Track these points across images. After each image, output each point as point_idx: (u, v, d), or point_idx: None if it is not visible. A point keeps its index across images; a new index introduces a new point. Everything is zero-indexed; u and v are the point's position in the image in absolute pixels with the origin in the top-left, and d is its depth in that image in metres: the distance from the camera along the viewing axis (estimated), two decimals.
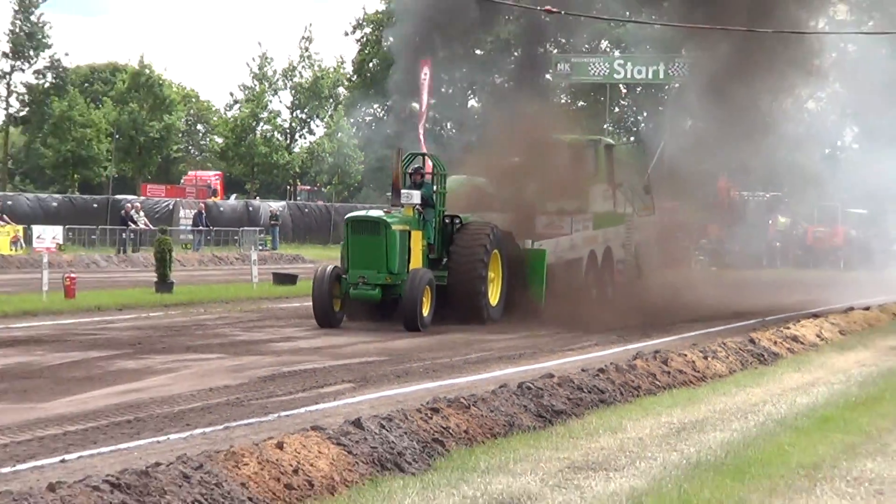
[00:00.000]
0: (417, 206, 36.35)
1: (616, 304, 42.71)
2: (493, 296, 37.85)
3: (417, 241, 36.08)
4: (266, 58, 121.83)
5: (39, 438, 18.69)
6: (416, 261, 35.76)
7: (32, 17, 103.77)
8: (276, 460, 15.39)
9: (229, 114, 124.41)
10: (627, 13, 70.18)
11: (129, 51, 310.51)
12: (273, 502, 14.56)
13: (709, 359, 27.82)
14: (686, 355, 27.45)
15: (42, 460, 16.96)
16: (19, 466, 16.50)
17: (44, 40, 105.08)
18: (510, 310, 38.65)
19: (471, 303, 36.76)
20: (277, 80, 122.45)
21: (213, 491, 14.19)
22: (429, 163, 39.16)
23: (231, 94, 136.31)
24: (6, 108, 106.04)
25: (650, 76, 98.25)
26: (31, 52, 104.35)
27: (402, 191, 36.15)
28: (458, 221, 37.84)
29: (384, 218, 35.34)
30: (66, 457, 17.17)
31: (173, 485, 13.96)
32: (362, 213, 39.13)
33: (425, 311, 34.94)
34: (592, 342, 34.55)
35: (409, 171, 37.64)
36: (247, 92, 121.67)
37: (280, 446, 15.77)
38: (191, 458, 14.81)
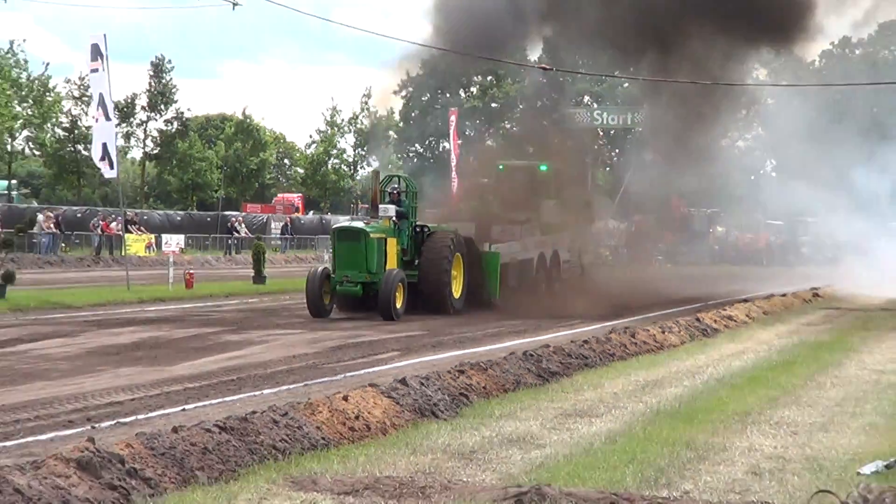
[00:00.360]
0: (393, 218, 34.63)
1: (561, 295, 41.01)
2: (457, 290, 36.00)
3: (393, 247, 34.43)
4: (336, 109, 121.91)
5: (166, 393, 18.63)
6: (392, 262, 34.17)
7: (164, 80, 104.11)
8: (343, 409, 15.35)
9: (308, 151, 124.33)
10: (604, 75, 70.49)
11: (235, 105, 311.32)
12: (340, 440, 14.53)
13: (665, 333, 27.67)
14: (648, 330, 27.36)
15: (168, 409, 16.89)
16: (150, 414, 16.45)
17: (172, 97, 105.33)
18: (470, 301, 36.54)
19: (437, 296, 35.15)
20: (344, 125, 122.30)
21: (295, 432, 14.15)
22: (403, 184, 37.23)
23: (310, 136, 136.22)
24: (143, 148, 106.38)
25: (620, 122, 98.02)
26: (163, 106, 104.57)
27: (380, 206, 34.85)
28: (427, 230, 36.22)
29: (364, 228, 33.78)
30: (186, 407, 17.11)
31: (265, 427, 13.91)
32: (347, 223, 37.07)
33: (398, 304, 33.07)
34: (577, 321, 33.77)
35: (389, 189, 36.11)
36: (321, 134, 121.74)
37: (345, 398, 15.73)
38: (279, 408, 14.76)
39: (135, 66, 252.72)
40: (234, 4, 28.54)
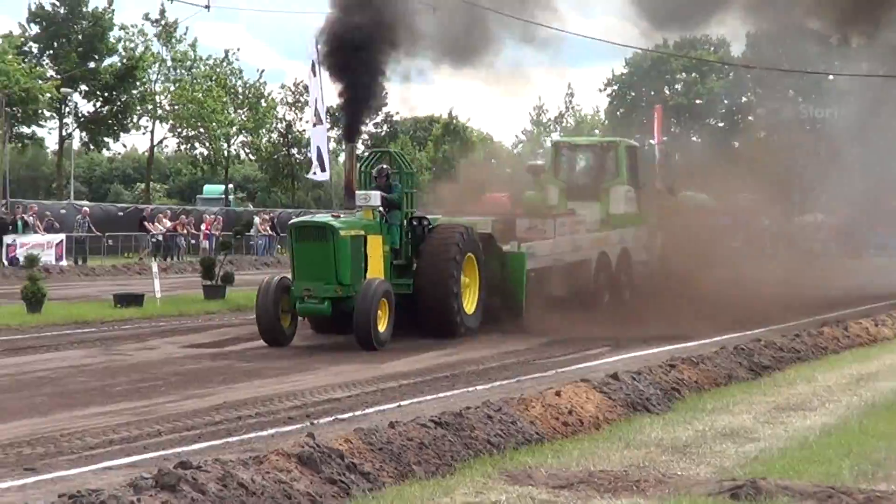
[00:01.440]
0: (379, 209, 25.50)
1: (633, 307, 30.64)
2: (469, 304, 26.48)
3: (377, 248, 25.11)
4: (542, 109, 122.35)
5: (381, 390, 18.85)
6: (376, 269, 24.89)
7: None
8: (555, 404, 15.39)
9: (515, 150, 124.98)
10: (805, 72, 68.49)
11: (443, 107, 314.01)
12: (553, 435, 14.56)
13: (879, 326, 27.22)
14: (861, 323, 26.97)
15: (384, 406, 17.07)
16: (367, 410, 16.63)
17: (382, 101, 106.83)
18: (489, 319, 27.23)
19: (441, 313, 25.57)
20: (550, 125, 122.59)
21: (509, 427, 14.21)
22: (393, 163, 27.71)
23: (516, 136, 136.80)
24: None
25: (827, 115, 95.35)
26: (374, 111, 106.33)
27: (358, 192, 25.87)
28: (426, 223, 26.70)
29: (331, 223, 24.49)
30: (402, 403, 17.28)
31: (480, 422, 13.99)
32: (307, 218, 28.88)
33: (382, 327, 23.80)
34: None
35: (374, 172, 26.68)
36: (527, 134, 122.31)
37: (558, 394, 15.76)
38: (492, 403, 14.83)
39: None
40: (434, 9, 28.91)
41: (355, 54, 26.13)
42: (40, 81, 71.81)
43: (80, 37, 77.35)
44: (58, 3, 77.28)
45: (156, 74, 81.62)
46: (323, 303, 23.95)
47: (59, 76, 74.24)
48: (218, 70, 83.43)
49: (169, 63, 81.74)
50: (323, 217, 26.14)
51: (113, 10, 77.98)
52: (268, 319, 23.98)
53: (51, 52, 77.64)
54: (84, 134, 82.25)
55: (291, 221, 27.97)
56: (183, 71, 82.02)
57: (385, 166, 26.65)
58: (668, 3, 40.48)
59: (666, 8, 40.41)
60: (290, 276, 25.09)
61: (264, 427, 15.41)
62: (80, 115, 79.72)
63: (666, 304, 29.29)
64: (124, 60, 78.05)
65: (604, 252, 30.80)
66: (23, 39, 75.86)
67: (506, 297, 27.43)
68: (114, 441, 14.39)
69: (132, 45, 78.65)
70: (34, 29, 77.73)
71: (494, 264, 27.44)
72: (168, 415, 16.26)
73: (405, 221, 26.32)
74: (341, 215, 25.60)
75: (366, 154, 29.04)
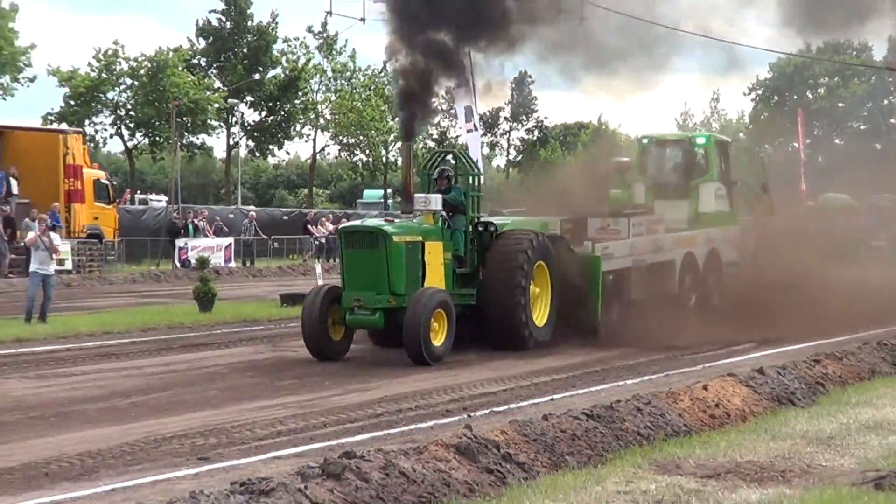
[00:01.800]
0: (441, 213, 22.55)
1: (722, 312, 26.90)
2: (540, 315, 23.27)
3: (436, 255, 22.02)
4: (688, 114, 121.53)
5: (535, 384, 18.91)
6: (436, 278, 21.87)
7: (525, 93, 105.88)
8: (703, 398, 15.36)
9: None
10: None
11: (591, 113, 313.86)
12: (701, 427, 14.53)
13: None
14: None
15: (537, 399, 17.10)
16: (521, 403, 16.70)
17: (532, 108, 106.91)
18: (562, 329, 23.82)
19: (508, 325, 22.48)
20: (696, 129, 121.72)
21: (658, 419, 14.20)
22: (459, 163, 24.26)
23: None
24: (507, 156, 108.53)
25: None
26: (524, 117, 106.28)
27: (417, 195, 22.89)
28: (493, 229, 23.34)
29: (383, 227, 21.38)
30: (554, 396, 17.31)
31: (630, 414, 14.01)
32: (358, 222, 24.85)
33: (437, 340, 20.79)
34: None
35: (434, 174, 23.58)
36: None
37: (705, 388, 15.73)
38: (642, 396, 14.85)
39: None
40: (581, 19, 28.44)
41: (415, 49, 23.27)
42: (208, 93, 73.06)
43: (245, 50, 78.38)
44: (224, 19, 78.47)
45: (317, 85, 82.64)
46: (374, 314, 20.94)
47: (226, 88, 75.40)
48: (376, 80, 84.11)
49: (330, 74, 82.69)
50: (375, 221, 23.08)
51: (277, 24, 79.03)
52: (312, 331, 21.12)
53: (218, 64, 78.82)
54: (250, 142, 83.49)
55: (341, 226, 25.42)
56: (343, 81, 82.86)
57: (446, 168, 23.41)
58: (820, 10, 38.83)
59: (818, 15, 38.69)
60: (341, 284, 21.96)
61: (424, 419, 15.52)
62: (246, 124, 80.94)
63: (762, 308, 25.96)
64: (287, 72, 79.05)
65: (690, 252, 26.89)
66: (191, 53, 77.14)
67: (580, 302, 23.72)
68: (281, 432, 14.63)
69: (295, 57, 79.64)
70: (202, 43, 79.00)
71: (567, 267, 23.76)
72: (332, 408, 16.47)
73: (470, 227, 23.12)
74: (396, 220, 22.82)
75: (427, 154, 25.49)
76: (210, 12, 78.72)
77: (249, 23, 78.71)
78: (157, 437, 14.07)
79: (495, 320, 22.48)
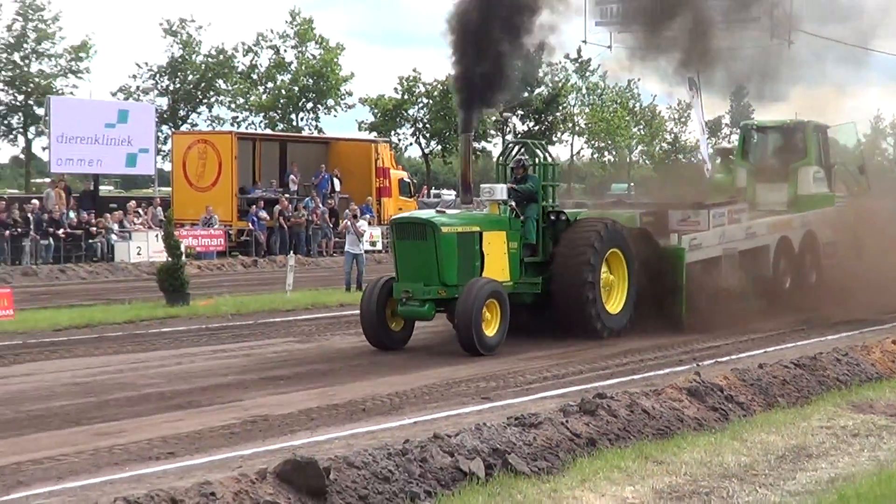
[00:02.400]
0: (510, 203, 18.78)
1: (824, 291, 22.89)
2: (614, 303, 19.15)
3: (498, 244, 18.24)
4: (880, 117, 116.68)
5: (751, 339, 18.68)
6: (498, 267, 18.08)
7: (742, 103, 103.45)
8: (892, 350, 15.10)
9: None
10: None
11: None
12: (891, 374, 14.29)
13: None
14: None
15: (753, 351, 16.97)
16: (740, 355, 16.58)
17: (749, 115, 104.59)
18: (650, 317, 19.47)
19: (575, 313, 18.47)
20: (886, 129, 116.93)
21: (854, 368, 14.03)
22: (534, 154, 19.95)
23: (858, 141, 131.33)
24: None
25: None
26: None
27: (483, 185, 19.64)
28: (564, 218, 19.23)
29: (432, 219, 17.73)
30: (767, 349, 17.04)
31: (830, 364, 13.86)
32: (410, 213, 22.03)
33: (490, 330, 16.96)
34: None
35: (511, 164, 19.77)
36: (867, 137, 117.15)
37: (894, 342, 15.30)
38: (840, 349, 14.71)
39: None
40: (790, 43, 27.53)
41: (471, 40, 18.93)
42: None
43: (516, 72, 78.99)
44: None
45: (574, 100, 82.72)
46: (424, 305, 17.30)
47: (502, 104, 76.31)
48: (621, 96, 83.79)
49: (584, 91, 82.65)
50: (425, 213, 19.78)
51: (543, 51, 79.30)
52: (370, 321, 17.64)
53: None
54: None
55: (392, 217, 21.61)
56: (594, 97, 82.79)
57: (522, 158, 19.58)
58: None
59: None
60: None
61: (661, 367, 15.62)
62: (517, 133, 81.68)
63: (861, 286, 22.49)
64: (551, 90, 79.39)
65: (785, 237, 23.05)
66: None
67: (665, 293, 19.83)
68: (546, 378, 14.87)
69: (557, 78, 79.87)
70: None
71: (650, 258, 19.79)
72: (587, 358, 16.65)
73: (542, 216, 19.12)
74: (456, 210, 19.33)
75: (505, 146, 20.57)
76: None
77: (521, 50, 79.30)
78: (450, 381, 14.43)
79: (564, 312, 18.58)
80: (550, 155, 20.38)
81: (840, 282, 22.78)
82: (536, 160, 19.41)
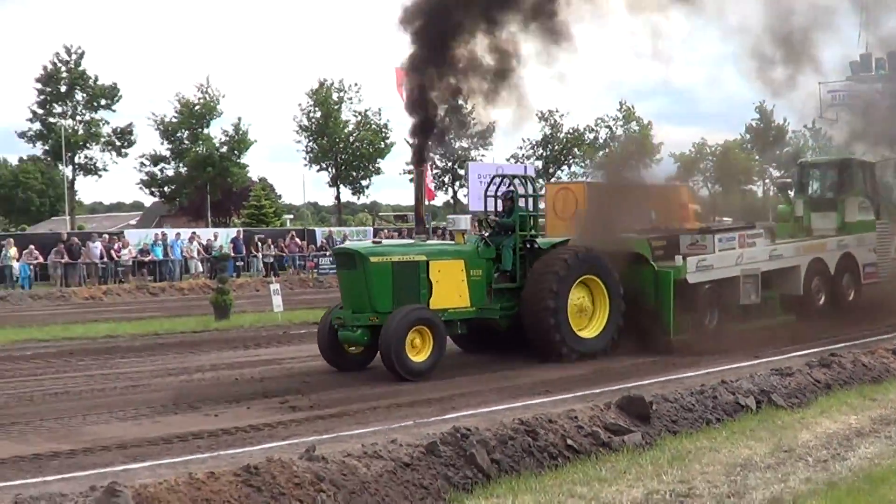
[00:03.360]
0: (481, 233, 19.94)
1: (860, 312, 24.07)
2: (592, 328, 19.21)
3: (453, 272, 18.34)
4: None
5: None
6: (452, 294, 18.24)
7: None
8: None
9: None
10: None
11: None
12: None
13: None
14: None
15: None
16: None
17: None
18: (641, 341, 19.60)
19: (541, 336, 18.74)
20: None
21: None
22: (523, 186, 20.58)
23: None
24: None
25: None
26: None
27: (450, 216, 21.20)
28: (537, 247, 19.62)
29: (360, 249, 18.13)
30: None
31: None
32: (347, 244, 22.44)
33: (419, 356, 17.05)
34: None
35: (500, 195, 20.13)
36: None
37: None
38: None
39: None
40: None
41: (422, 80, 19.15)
42: None
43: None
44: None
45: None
46: (356, 331, 17.58)
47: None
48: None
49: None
50: (356, 244, 20.17)
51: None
52: (324, 344, 18.23)
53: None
54: None
55: (335, 247, 22.86)
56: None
57: (512, 190, 19.95)
58: None
59: None
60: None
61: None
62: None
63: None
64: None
65: (818, 258, 23.94)
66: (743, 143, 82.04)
67: (655, 314, 19.91)
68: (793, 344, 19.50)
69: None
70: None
71: (638, 281, 19.99)
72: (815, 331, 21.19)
73: (519, 245, 19.29)
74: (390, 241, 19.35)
75: (490, 178, 21.69)
76: None
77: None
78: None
79: (530, 336, 18.92)
80: (535, 188, 20.64)
81: (880, 299, 24.55)
82: (525, 191, 19.83)
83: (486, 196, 20.36)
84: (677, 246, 21.14)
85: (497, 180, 20.55)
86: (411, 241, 19.88)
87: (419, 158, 19.82)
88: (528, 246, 19.34)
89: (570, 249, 19.26)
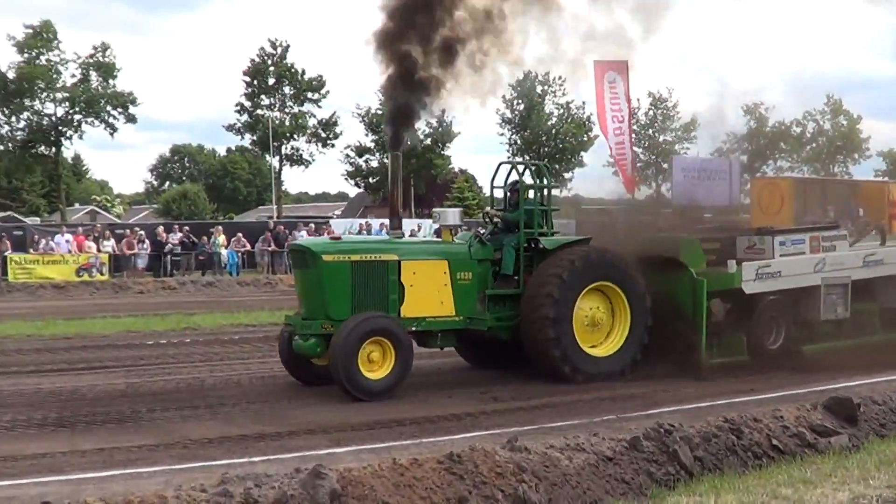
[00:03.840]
0: (477, 230, 16.56)
1: None
2: (609, 345, 15.95)
3: (434, 275, 15.31)
4: None
5: None
6: (434, 301, 15.28)
7: None
8: None
9: None
10: None
11: None
12: None
13: None
14: None
15: None
16: None
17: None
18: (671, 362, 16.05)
19: (539, 352, 15.51)
20: None
21: None
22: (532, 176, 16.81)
23: None
24: None
25: None
26: None
27: (436, 210, 18.82)
28: (541, 247, 16.16)
29: (312, 246, 15.11)
30: None
31: None
32: (302, 240, 19.91)
33: (375, 373, 14.18)
34: None
35: (505, 188, 16.74)
36: None
37: None
38: None
39: None
40: None
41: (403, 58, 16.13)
42: None
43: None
44: None
45: None
46: (308, 339, 14.73)
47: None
48: None
49: None
50: (310, 239, 17.20)
51: None
52: (284, 355, 15.57)
53: None
54: None
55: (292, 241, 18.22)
56: None
57: (518, 180, 16.61)
58: None
59: None
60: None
61: None
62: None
63: None
64: None
65: None
66: None
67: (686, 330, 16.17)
68: None
69: None
70: None
71: (672, 291, 16.30)
72: None
73: (522, 244, 16.22)
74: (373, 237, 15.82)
75: (499, 166, 17.13)
76: None
77: None
78: None
79: (528, 351, 15.84)
80: (549, 178, 16.94)
81: None
82: (536, 182, 16.66)
83: (492, 186, 17.08)
84: (734, 248, 17.73)
85: (505, 168, 17.04)
86: (385, 237, 16.83)
87: (395, 143, 16.35)
88: (534, 246, 16.31)
89: (581, 250, 16.01)
